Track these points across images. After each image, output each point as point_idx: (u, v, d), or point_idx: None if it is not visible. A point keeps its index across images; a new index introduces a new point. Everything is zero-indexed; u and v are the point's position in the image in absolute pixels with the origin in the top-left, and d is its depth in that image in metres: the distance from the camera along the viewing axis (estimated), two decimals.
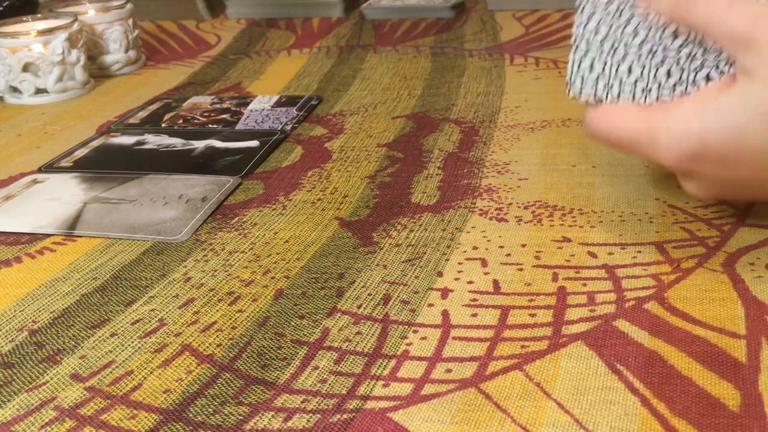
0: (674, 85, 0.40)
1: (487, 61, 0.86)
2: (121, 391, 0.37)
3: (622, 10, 0.41)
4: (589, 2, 0.42)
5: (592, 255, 0.46)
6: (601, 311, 0.41)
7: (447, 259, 0.47)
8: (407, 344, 0.39)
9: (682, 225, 0.48)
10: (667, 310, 0.40)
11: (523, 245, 0.48)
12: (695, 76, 0.40)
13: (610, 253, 0.46)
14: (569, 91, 0.43)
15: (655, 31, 0.40)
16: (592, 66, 0.42)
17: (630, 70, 0.41)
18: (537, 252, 0.47)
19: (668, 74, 0.40)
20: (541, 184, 0.55)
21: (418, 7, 1.09)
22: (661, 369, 0.36)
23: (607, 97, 0.42)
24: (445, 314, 0.41)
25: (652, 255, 0.45)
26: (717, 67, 0.39)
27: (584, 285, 0.43)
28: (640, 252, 0.46)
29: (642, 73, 0.41)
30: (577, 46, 0.42)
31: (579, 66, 0.42)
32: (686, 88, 0.40)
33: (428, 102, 0.74)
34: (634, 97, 0.41)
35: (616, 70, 0.41)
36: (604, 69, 0.42)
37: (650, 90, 0.41)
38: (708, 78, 0.40)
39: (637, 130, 0.39)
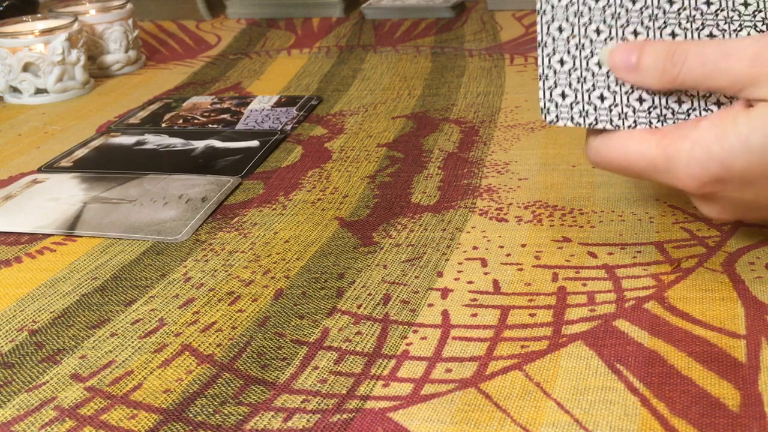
0: (687, 111, 0.40)
1: (487, 61, 0.86)
2: (121, 391, 0.37)
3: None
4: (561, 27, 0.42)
5: (592, 255, 0.46)
6: (601, 311, 0.41)
7: (447, 259, 0.47)
8: (407, 344, 0.39)
9: (682, 225, 0.48)
10: (667, 310, 0.40)
11: (523, 245, 0.48)
12: (706, 102, 0.40)
13: (610, 253, 0.46)
14: (545, 117, 0.42)
15: None
16: (566, 93, 0.42)
17: (641, 99, 0.41)
18: (537, 252, 0.47)
19: (679, 102, 0.40)
20: (541, 184, 0.55)
21: (418, 7, 1.09)
22: (661, 369, 0.36)
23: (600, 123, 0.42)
24: (445, 314, 0.41)
25: (652, 255, 0.45)
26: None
27: (584, 285, 0.43)
28: (640, 252, 0.46)
29: (654, 101, 0.41)
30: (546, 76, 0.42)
31: (552, 94, 0.42)
32: (699, 113, 0.40)
33: (428, 102, 0.74)
34: (650, 124, 0.41)
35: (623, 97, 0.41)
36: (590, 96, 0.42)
37: (665, 117, 0.41)
38: (719, 103, 0.40)
39: (652, 156, 0.39)
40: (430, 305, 0.42)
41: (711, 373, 0.36)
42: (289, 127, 0.70)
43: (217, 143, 0.67)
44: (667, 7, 0.41)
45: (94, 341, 0.41)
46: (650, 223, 0.49)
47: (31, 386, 0.38)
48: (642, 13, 0.41)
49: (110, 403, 0.37)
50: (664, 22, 0.41)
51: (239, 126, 0.71)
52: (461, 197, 0.54)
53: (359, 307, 0.43)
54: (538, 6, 0.42)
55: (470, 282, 0.44)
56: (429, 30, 1.02)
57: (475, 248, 0.48)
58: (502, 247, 0.48)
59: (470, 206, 0.53)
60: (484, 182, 0.56)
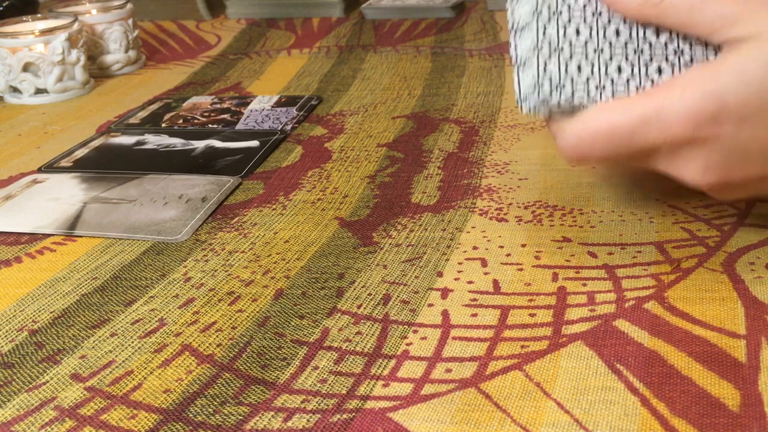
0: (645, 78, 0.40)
1: (487, 61, 0.86)
2: (121, 391, 0.37)
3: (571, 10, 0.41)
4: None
5: (592, 255, 0.46)
6: (601, 311, 0.41)
7: (447, 259, 0.47)
8: (407, 344, 0.39)
9: (682, 225, 0.48)
10: (667, 310, 0.40)
11: (523, 245, 0.48)
12: (647, 69, 0.40)
13: (610, 253, 0.46)
14: (521, 108, 0.41)
15: (600, 26, 0.40)
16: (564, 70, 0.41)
17: (620, 69, 0.40)
18: (537, 252, 0.47)
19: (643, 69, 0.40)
20: (541, 184, 0.55)
21: (418, 7, 1.09)
22: (661, 369, 0.36)
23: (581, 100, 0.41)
24: (445, 314, 0.42)
25: (652, 255, 0.45)
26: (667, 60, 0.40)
27: (584, 285, 0.43)
28: (640, 252, 0.46)
29: (633, 71, 0.40)
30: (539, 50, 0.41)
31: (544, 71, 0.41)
32: (642, 83, 0.40)
33: (428, 102, 0.74)
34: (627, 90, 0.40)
35: (604, 71, 0.41)
36: (580, 72, 0.41)
37: (640, 86, 0.40)
38: (660, 71, 0.40)
39: (639, 112, 0.37)
40: (430, 305, 0.42)
41: (711, 373, 0.36)
42: (289, 127, 0.70)
43: (217, 143, 0.67)
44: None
45: (94, 341, 0.41)
46: (650, 223, 0.49)
47: (31, 386, 0.38)
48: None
49: (110, 403, 0.37)
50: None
51: (239, 126, 0.71)
52: (461, 197, 0.54)
53: (359, 307, 0.43)
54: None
55: (470, 282, 0.44)
56: (429, 30, 1.02)
57: (475, 248, 0.48)
58: (502, 247, 0.48)
59: (470, 206, 0.53)
60: (484, 182, 0.56)
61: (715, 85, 0.36)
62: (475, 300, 0.43)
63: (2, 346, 0.42)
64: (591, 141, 0.39)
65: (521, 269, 0.45)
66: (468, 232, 0.50)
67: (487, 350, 0.38)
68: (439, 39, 0.97)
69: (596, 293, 0.42)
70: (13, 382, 0.39)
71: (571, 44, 0.41)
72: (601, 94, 0.40)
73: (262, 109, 0.75)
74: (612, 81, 0.40)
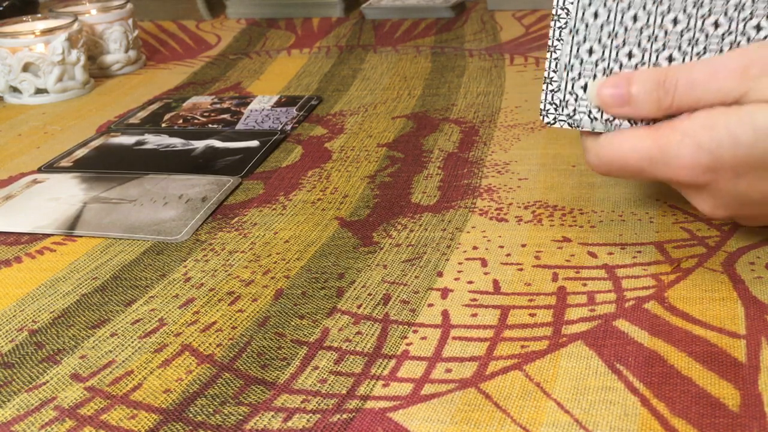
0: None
1: (487, 61, 0.86)
2: (121, 391, 0.37)
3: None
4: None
5: (592, 255, 0.46)
6: (601, 311, 0.41)
7: (447, 259, 0.47)
8: (407, 344, 0.39)
9: (682, 225, 0.48)
10: (667, 310, 0.40)
11: (523, 245, 0.48)
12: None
13: (610, 253, 0.46)
14: (545, 117, 0.43)
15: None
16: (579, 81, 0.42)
17: (630, 55, 0.42)
18: (537, 252, 0.47)
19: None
20: (541, 184, 0.55)
21: (418, 7, 1.09)
22: (661, 369, 0.36)
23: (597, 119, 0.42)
24: (445, 314, 0.42)
25: (652, 255, 0.45)
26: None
27: (584, 285, 0.43)
28: (640, 252, 0.46)
29: (643, 57, 0.41)
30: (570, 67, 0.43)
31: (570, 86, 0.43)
32: None
33: (428, 102, 0.74)
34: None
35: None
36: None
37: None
38: (671, 59, 0.41)
39: (647, 148, 0.39)
40: (430, 305, 0.42)
41: (711, 373, 0.36)
42: (289, 127, 0.70)
43: (217, 143, 0.67)
44: (631, 24, 0.41)
45: (94, 341, 0.41)
46: (650, 223, 0.49)
47: (31, 386, 0.38)
48: (641, 33, 0.41)
49: (110, 403, 0.37)
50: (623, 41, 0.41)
51: (239, 126, 0.71)
52: (461, 197, 0.54)
53: (359, 307, 0.43)
54: (553, 11, 0.43)
55: (470, 282, 0.44)
56: (429, 30, 1.02)
57: (475, 248, 0.48)
58: (502, 247, 0.48)
59: (470, 206, 0.53)
60: (484, 182, 0.56)
61: (710, 141, 0.37)
62: (475, 300, 0.43)
63: (2, 346, 0.42)
64: (608, 164, 0.41)
65: (521, 269, 0.45)
66: (468, 232, 0.50)
67: (487, 350, 0.38)
68: (439, 39, 0.97)
69: (596, 293, 0.42)
70: (13, 382, 0.39)
71: (587, 26, 0.42)
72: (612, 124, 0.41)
73: (262, 109, 0.75)
74: (621, 65, 0.41)
